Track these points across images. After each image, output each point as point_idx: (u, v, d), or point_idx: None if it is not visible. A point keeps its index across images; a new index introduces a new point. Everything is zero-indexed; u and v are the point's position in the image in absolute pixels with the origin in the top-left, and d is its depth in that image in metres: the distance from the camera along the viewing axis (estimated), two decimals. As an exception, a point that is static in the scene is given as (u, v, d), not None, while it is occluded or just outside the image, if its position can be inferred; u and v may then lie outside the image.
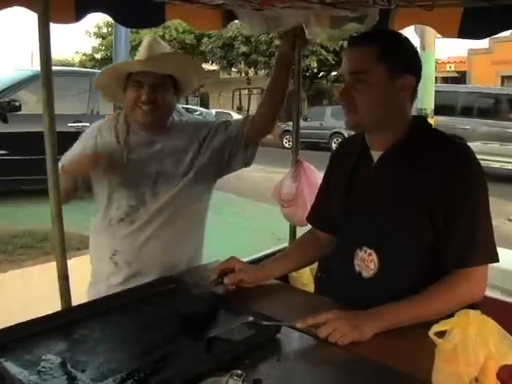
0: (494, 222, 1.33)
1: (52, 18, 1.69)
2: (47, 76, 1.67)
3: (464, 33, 1.85)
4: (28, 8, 1.73)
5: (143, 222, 1.80)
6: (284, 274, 1.73)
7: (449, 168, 1.27)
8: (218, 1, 1.91)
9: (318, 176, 2.05)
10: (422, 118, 1.44)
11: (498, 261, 1.29)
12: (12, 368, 1.05)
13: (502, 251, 1.31)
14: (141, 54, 1.82)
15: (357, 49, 1.36)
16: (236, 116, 18.23)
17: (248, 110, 27.08)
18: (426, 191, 1.28)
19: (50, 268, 1.85)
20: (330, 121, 17.06)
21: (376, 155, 1.40)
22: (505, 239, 5.15)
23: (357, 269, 1.40)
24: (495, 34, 1.86)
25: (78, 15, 1.90)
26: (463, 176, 1.27)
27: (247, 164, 1.95)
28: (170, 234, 1.82)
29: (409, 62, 1.35)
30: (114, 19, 2.18)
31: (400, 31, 1.84)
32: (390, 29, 1.98)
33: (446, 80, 22.08)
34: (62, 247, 1.77)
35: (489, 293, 1.36)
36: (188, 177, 1.83)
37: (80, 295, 1.78)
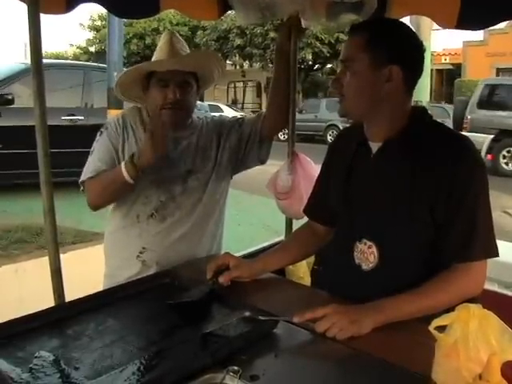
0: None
1: (42, 8, 1.66)
2: (37, 67, 1.64)
3: (463, 23, 1.80)
4: (17, -3, 1.69)
5: (175, 220, 1.78)
6: (281, 268, 1.72)
7: (450, 161, 1.24)
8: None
9: (315, 168, 2.03)
10: (421, 109, 1.41)
11: (497, 255, 1.27)
12: (4, 365, 1.03)
13: (499, 243, 1.29)
14: (163, 50, 1.77)
15: (349, 38, 1.36)
16: (227, 110, 18.03)
17: (243, 103, 27.01)
18: (426, 185, 1.25)
19: (45, 262, 1.82)
20: (325, 113, 17.04)
21: (374, 146, 1.37)
22: (500, 231, 5.17)
23: (356, 261, 1.38)
24: (496, 23, 1.78)
25: (69, 5, 1.86)
26: (464, 170, 1.25)
27: (262, 161, 1.95)
28: (202, 232, 1.83)
29: (396, 52, 1.29)
30: (106, 9, 2.14)
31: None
32: (389, 17, 1.93)
33: (441, 72, 22.11)
34: (54, 241, 1.75)
35: (486, 285, 1.34)
36: (214, 174, 1.84)
37: (75, 289, 1.76)
